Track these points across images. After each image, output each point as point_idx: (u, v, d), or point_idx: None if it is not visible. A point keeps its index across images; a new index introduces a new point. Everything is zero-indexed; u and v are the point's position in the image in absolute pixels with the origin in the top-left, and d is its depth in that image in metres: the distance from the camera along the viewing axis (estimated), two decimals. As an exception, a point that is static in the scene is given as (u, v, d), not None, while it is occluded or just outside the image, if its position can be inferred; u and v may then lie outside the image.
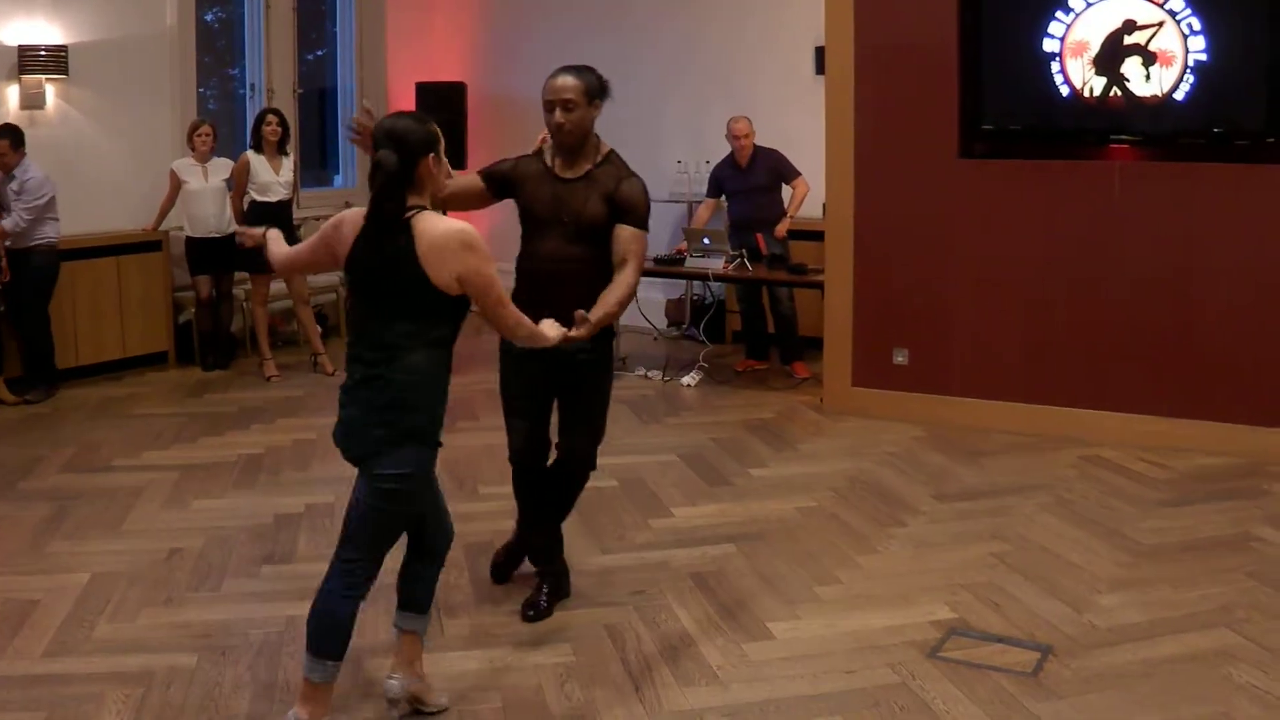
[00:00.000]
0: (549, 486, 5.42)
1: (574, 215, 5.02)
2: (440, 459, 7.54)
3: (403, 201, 4.05)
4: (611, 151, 5.16)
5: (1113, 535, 6.24)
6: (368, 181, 4.12)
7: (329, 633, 4.11)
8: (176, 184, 9.97)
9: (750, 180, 9.92)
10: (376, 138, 4.09)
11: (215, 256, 10.12)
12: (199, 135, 9.99)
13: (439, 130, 4.16)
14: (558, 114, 4.97)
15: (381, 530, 4.17)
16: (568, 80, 5.00)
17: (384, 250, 4.02)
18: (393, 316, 4.05)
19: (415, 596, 4.47)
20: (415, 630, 4.47)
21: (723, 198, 10.29)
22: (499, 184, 5.17)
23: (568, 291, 4.83)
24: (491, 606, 5.40)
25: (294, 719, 4.08)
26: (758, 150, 9.93)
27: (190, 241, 10.09)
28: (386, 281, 4.04)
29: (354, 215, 4.18)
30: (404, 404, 4.05)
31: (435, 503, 4.43)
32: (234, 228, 10.00)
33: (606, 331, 5.12)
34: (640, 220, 5.04)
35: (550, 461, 5.37)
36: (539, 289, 4.98)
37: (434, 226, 4.02)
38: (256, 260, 9.85)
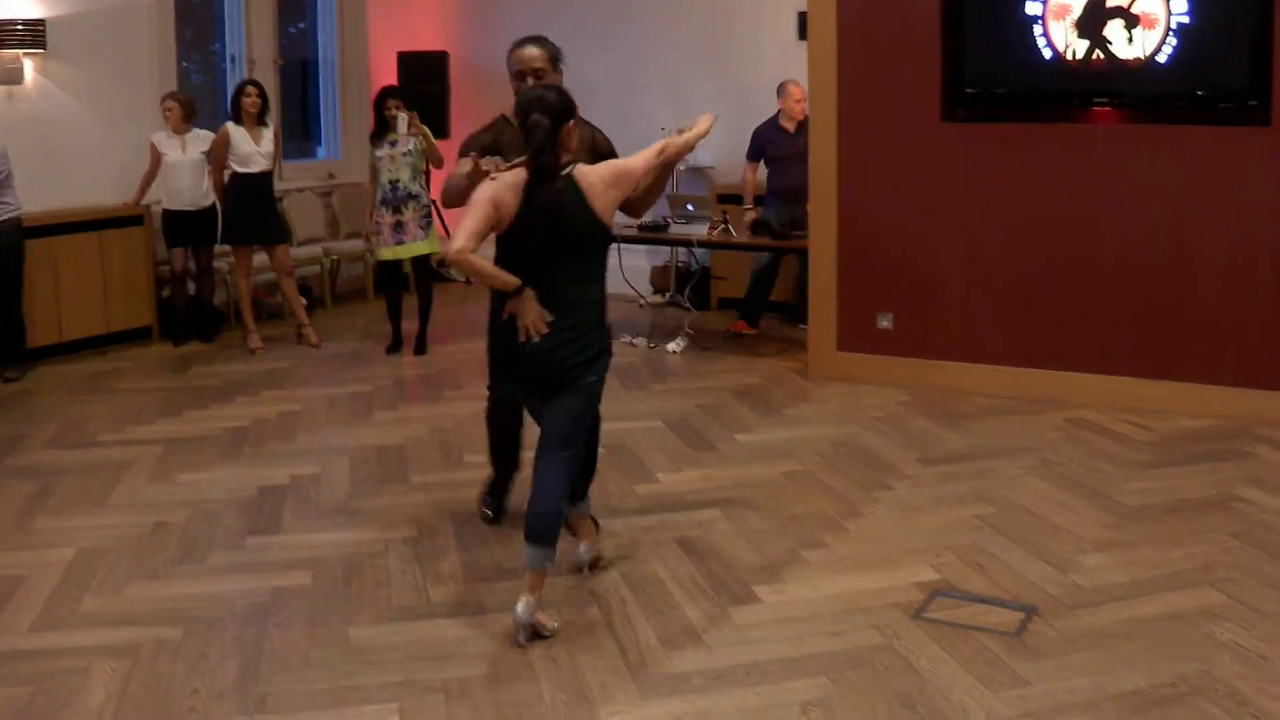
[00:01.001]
0: None
1: None
2: (426, 428, 7.62)
3: (558, 157, 4.74)
4: None
5: (1097, 497, 6.26)
6: (524, 144, 4.74)
7: (554, 526, 4.85)
8: (157, 156, 9.92)
9: (797, 146, 9.70)
10: (528, 103, 4.75)
11: (192, 229, 10.08)
12: (165, 109, 9.95)
13: (573, 100, 4.85)
14: (530, 82, 5.24)
15: (588, 422, 5.14)
16: (535, 50, 5.32)
17: (555, 201, 4.72)
18: (567, 259, 4.79)
19: (578, 489, 5.32)
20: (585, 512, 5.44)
21: (761, 162, 10.21)
22: (487, 155, 5.21)
23: None
24: (478, 573, 5.42)
25: (525, 607, 4.73)
26: (807, 117, 9.88)
27: (167, 214, 10.05)
28: (561, 229, 4.75)
29: (511, 178, 4.77)
30: (596, 327, 4.90)
31: None
32: (213, 199, 10.00)
33: None
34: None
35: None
36: None
37: (592, 174, 4.82)
38: (238, 233, 9.83)
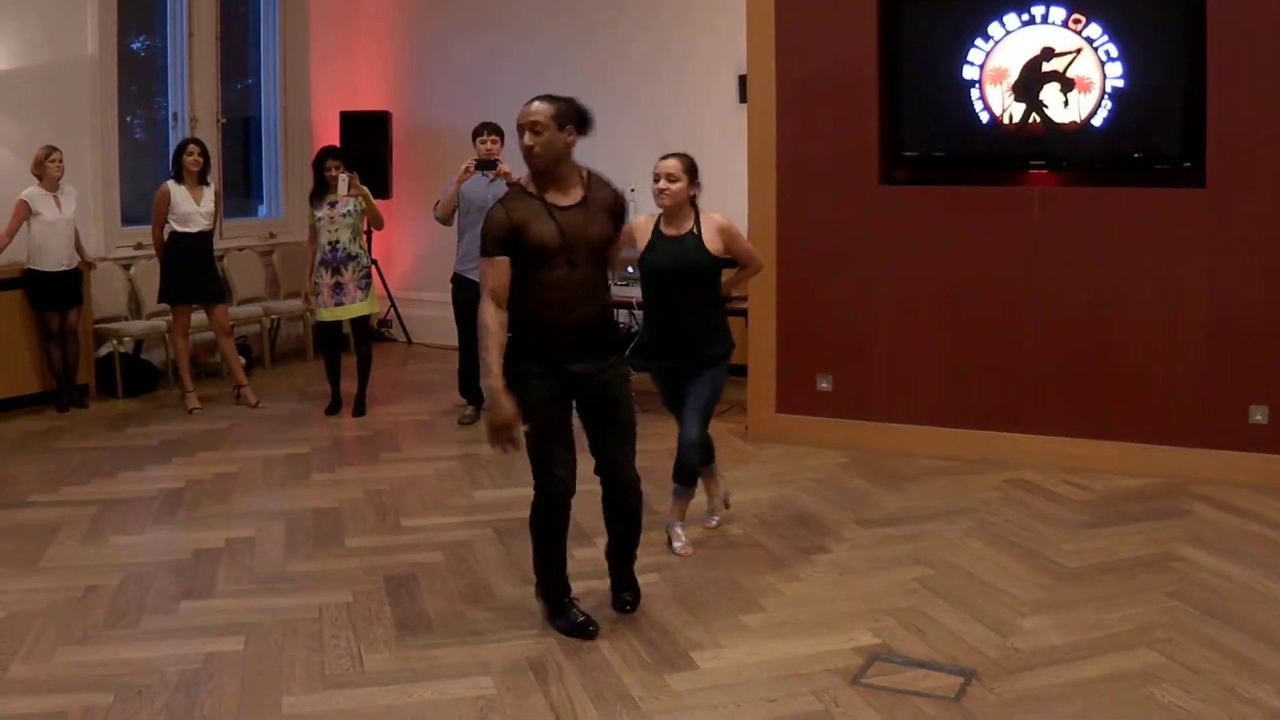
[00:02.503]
0: (611, 520, 5.61)
1: (582, 240, 5.18)
2: (363, 490, 7.54)
3: None
4: (590, 171, 5.36)
5: (1035, 558, 6.27)
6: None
7: (697, 469, 6.56)
8: (24, 215, 9.49)
9: None
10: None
11: (62, 290, 9.78)
12: (51, 161, 9.53)
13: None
14: (526, 137, 5.15)
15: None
16: (537, 105, 5.20)
17: None
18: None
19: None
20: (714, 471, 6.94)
21: None
22: (510, 243, 5.15)
23: (581, 310, 5.20)
24: (411, 639, 5.35)
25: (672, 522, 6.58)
26: None
27: (38, 276, 9.67)
28: None
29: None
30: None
31: None
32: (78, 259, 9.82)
33: (619, 347, 5.53)
34: None
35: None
36: (555, 316, 5.17)
37: None
38: (178, 292, 9.73)
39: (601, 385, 5.30)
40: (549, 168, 5.17)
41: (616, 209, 5.35)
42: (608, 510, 5.55)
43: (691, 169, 6.27)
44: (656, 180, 6.25)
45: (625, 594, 5.70)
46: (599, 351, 5.29)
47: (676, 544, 6.48)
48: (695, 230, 6.29)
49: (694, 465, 6.44)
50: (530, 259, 5.10)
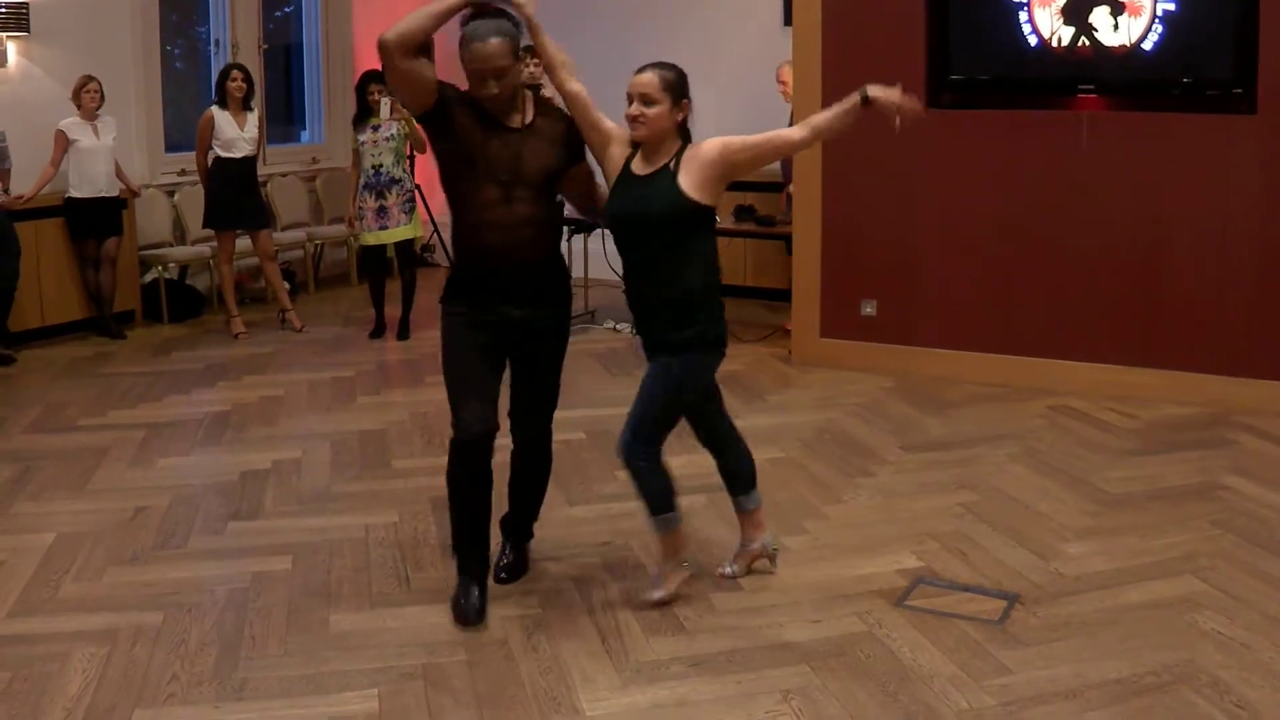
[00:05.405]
0: (518, 474, 5.19)
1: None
2: (408, 413, 7.57)
3: None
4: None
5: (1080, 484, 6.25)
6: None
7: None
8: (65, 145, 9.54)
9: None
10: None
11: (104, 217, 9.81)
12: (87, 92, 9.56)
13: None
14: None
15: None
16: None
17: None
18: None
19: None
20: None
21: None
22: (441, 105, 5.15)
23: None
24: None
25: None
26: None
27: (76, 203, 9.67)
28: None
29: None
30: None
31: None
32: (120, 187, 9.85)
33: (565, 297, 5.01)
34: None
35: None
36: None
37: None
38: (222, 217, 9.76)
39: (535, 334, 4.90)
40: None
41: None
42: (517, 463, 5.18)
43: (675, 85, 4.73)
44: (630, 103, 4.75)
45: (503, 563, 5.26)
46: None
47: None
48: (672, 165, 4.72)
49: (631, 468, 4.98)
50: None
